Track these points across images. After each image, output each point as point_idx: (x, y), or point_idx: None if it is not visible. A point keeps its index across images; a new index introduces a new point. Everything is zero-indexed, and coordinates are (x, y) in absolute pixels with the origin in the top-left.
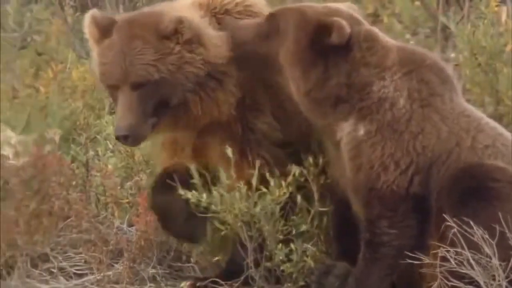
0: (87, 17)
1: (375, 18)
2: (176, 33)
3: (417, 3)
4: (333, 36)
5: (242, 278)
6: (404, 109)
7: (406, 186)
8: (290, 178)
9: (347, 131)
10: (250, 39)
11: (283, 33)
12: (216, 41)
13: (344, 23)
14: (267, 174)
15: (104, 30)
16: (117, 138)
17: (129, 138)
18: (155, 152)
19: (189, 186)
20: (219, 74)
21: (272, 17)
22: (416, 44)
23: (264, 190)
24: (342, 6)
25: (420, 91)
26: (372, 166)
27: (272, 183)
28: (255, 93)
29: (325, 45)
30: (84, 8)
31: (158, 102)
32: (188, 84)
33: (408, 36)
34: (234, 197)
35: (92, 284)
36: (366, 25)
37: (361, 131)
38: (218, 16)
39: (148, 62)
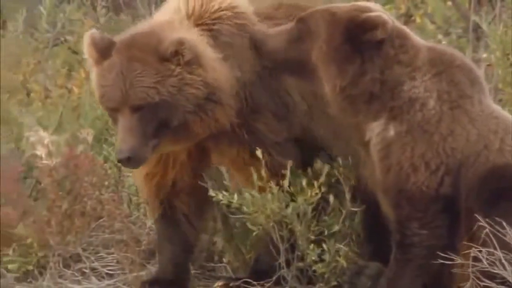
0: (86, 37)
1: (407, 18)
2: (177, 55)
3: (449, 3)
4: (379, 31)
5: (274, 278)
6: (434, 110)
7: (436, 187)
8: (322, 178)
9: (377, 131)
10: (282, 46)
11: (314, 34)
12: (214, 63)
13: (387, 17)
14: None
15: (103, 51)
16: (119, 161)
17: (131, 160)
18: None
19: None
20: (217, 95)
21: (301, 20)
22: (448, 44)
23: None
24: (370, 4)
25: (449, 92)
26: (402, 167)
27: (304, 183)
28: (254, 95)
29: (361, 41)
30: (116, 9)
31: (158, 124)
32: (188, 105)
33: (440, 36)
34: (266, 198)
35: (124, 284)
36: (396, 23)
37: (391, 132)
38: (212, 27)
39: (148, 84)
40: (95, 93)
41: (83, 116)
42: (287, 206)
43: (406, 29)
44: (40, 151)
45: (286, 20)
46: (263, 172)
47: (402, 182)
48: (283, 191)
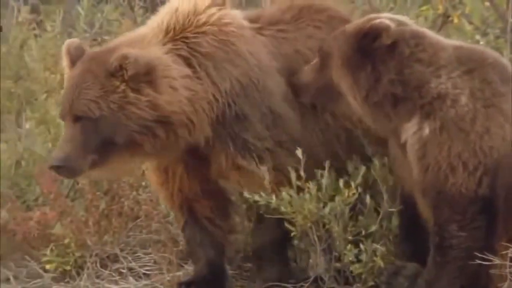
0: (64, 45)
1: (445, 18)
2: (121, 70)
3: (487, 4)
4: (383, 37)
5: (311, 278)
6: (467, 107)
7: (474, 188)
8: (359, 179)
9: (412, 131)
10: (311, 79)
11: (331, 56)
12: (175, 83)
13: (387, 21)
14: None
15: (74, 60)
16: (51, 167)
17: (63, 169)
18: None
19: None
20: (172, 118)
21: (320, 49)
22: (486, 45)
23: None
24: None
25: (483, 90)
26: (440, 167)
27: (341, 184)
28: (237, 105)
29: (371, 48)
30: (154, 8)
31: (100, 139)
32: (131, 125)
33: (478, 37)
34: (304, 198)
35: (161, 284)
36: (413, 26)
37: (426, 130)
38: (193, 40)
39: (91, 97)
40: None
41: None
42: (324, 206)
43: (424, 29)
44: None
45: (294, 24)
46: (266, 181)
47: (440, 183)
48: (321, 191)
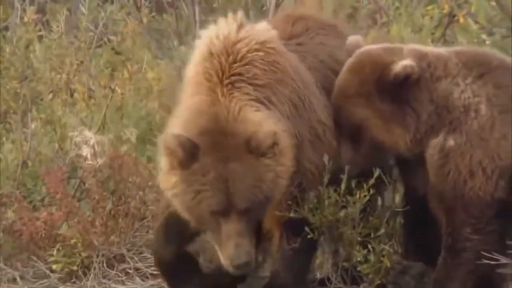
0: (172, 139)
1: (451, 18)
2: (272, 148)
3: (493, 3)
4: (411, 79)
5: (318, 278)
6: (486, 116)
7: (491, 192)
8: (371, 181)
9: (435, 144)
10: (354, 157)
11: (364, 125)
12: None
13: (406, 63)
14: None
15: (190, 154)
16: (238, 267)
17: (248, 264)
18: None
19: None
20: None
21: (347, 126)
22: (492, 44)
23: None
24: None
25: (497, 96)
26: (460, 173)
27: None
28: (295, 128)
29: (396, 90)
30: (160, 9)
31: (258, 221)
32: (278, 197)
33: (484, 36)
34: (322, 203)
35: None
36: (409, 47)
37: (451, 142)
38: (247, 75)
39: (251, 184)
40: (186, 197)
41: (127, 116)
42: (341, 209)
43: (419, 46)
44: (85, 152)
45: (306, 36)
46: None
47: (459, 188)
48: (339, 195)
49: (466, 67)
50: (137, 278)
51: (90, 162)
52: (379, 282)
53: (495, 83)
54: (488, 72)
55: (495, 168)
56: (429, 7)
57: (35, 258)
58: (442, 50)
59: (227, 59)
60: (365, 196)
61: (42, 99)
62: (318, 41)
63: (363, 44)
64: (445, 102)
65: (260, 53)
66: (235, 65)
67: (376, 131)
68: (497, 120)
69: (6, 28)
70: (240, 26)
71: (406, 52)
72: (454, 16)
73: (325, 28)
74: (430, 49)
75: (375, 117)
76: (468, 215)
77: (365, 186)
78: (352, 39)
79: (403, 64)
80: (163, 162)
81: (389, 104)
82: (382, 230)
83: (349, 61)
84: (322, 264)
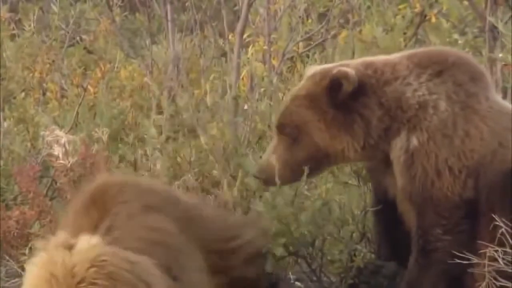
0: None
1: (422, 17)
2: None
3: (465, 2)
4: (345, 85)
5: (290, 277)
6: (447, 112)
7: (459, 191)
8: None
9: (399, 146)
10: (283, 162)
11: (304, 125)
12: None
13: (343, 68)
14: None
15: None
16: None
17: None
18: None
19: None
20: None
21: (283, 126)
22: (465, 44)
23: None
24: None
25: (457, 93)
26: (427, 174)
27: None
28: None
29: (343, 99)
30: (132, 8)
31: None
32: None
33: (456, 36)
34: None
35: None
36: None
37: (414, 142)
38: None
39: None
40: None
41: (99, 115)
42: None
43: (368, 58)
44: (57, 151)
45: None
46: None
47: (427, 189)
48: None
49: (420, 67)
50: None
51: (62, 161)
52: (351, 281)
53: (454, 80)
54: (445, 70)
55: (462, 167)
56: (401, 6)
57: (7, 257)
58: (392, 56)
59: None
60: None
61: (14, 98)
62: None
63: None
64: (397, 103)
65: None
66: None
67: (318, 135)
68: (459, 117)
69: None
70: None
71: (353, 64)
72: (425, 15)
73: None
74: (378, 57)
75: (318, 120)
76: (438, 216)
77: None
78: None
79: (339, 69)
80: None
81: (335, 110)
82: (352, 228)
83: (306, 74)
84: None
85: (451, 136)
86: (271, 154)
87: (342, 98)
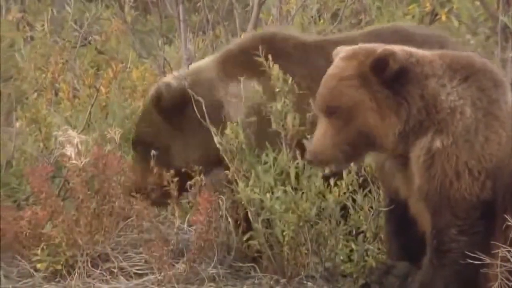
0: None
1: (433, 17)
2: None
3: (477, 3)
4: (390, 64)
5: (302, 277)
6: (471, 119)
7: (477, 193)
8: (350, 178)
9: (422, 146)
10: (333, 144)
11: (353, 106)
12: None
13: (389, 47)
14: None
15: None
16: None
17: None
18: None
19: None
20: None
21: (331, 109)
22: (477, 45)
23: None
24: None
25: (480, 99)
26: (447, 175)
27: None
28: None
29: (392, 78)
30: (144, 9)
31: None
32: None
33: (468, 36)
34: (298, 197)
35: (152, 284)
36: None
37: (438, 144)
38: None
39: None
40: None
41: (111, 115)
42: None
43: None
44: (69, 151)
45: None
46: None
47: (445, 189)
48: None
49: (451, 69)
50: (122, 278)
51: (74, 161)
52: (363, 281)
53: (479, 86)
54: (471, 75)
55: (482, 169)
56: (411, 6)
57: (19, 257)
58: (425, 51)
59: None
60: (344, 193)
61: (27, 98)
62: None
63: None
64: (433, 101)
65: None
66: None
67: (370, 115)
68: (481, 123)
69: None
70: None
71: (396, 48)
72: (436, 14)
73: None
74: (415, 49)
75: (370, 100)
76: (454, 217)
77: (343, 183)
78: (339, 48)
79: (385, 48)
80: None
81: (384, 89)
82: (364, 228)
83: (340, 55)
84: (306, 262)
85: (472, 141)
86: (321, 138)
87: (389, 77)
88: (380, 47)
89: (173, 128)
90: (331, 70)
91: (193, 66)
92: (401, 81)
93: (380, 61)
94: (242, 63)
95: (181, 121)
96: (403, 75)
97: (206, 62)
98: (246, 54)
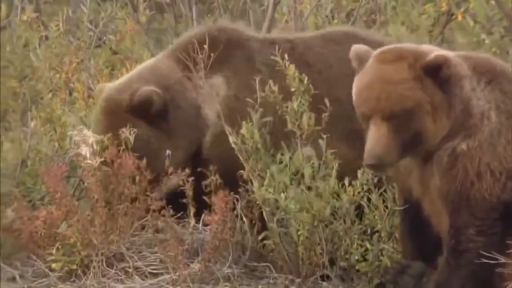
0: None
1: (448, 17)
2: None
3: (492, 2)
4: (444, 70)
5: (317, 276)
6: (495, 123)
7: (498, 193)
8: (364, 178)
9: (447, 147)
10: (392, 147)
11: (417, 108)
12: None
13: (442, 53)
14: None
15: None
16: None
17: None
18: None
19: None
20: None
21: (395, 110)
22: (491, 44)
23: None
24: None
25: (504, 102)
26: (468, 175)
27: (346, 182)
28: None
29: (445, 83)
30: (159, 8)
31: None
32: None
33: (483, 35)
34: (311, 197)
35: (167, 283)
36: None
37: (463, 146)
38: None
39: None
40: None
41: None
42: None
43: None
44: (84, 150)
45: None
46: None
47: (465, 188)
48: (327, 190)
49: (476, 72)
50: (137, 277)
51: (89, 161)
52: (378, 281)
53: (501, 89)
54: (494, 78)
55: (503, 170)
56: (427, 6)
57: (34, 257)
58: (448, 52)
59: None
60: (359, 192)
61: (41, 98)
62: None
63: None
64: (467, 106)
65: None
66: None
67: (426, 118)
68: (504, 127)
69: (5, 27)
70: None
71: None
72: (452, 14)
73: None
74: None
75: (428, 102)
76: (473, 217)
77: (358, 182)
78: (359, 47)
79: (438, 53)
80: None
81: (439, 92)
82: (379, 227)
83: (378, 58)
84: (321, 262)
85: (495, 143)
86: (382, 141)
87: (443, 80)
88: (425, 49)
89: (161, 133)
90: (376, 73)
91: (147, 67)
92: (451, 84)
93: (435, 64)
94: (204, 59)
95: (168, 124)
96: (453, 78)
97: (163, 63)
98: (208, 49)
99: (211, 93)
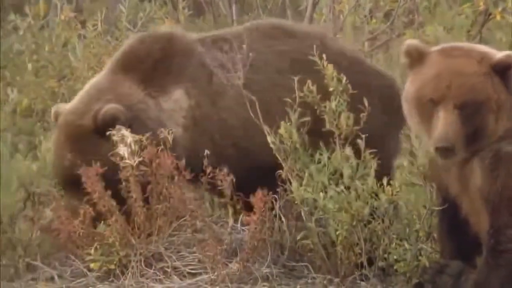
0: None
1: (486, 16)
2: None
3: None
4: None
5: (356, 276)
6: None
7: None
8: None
9: (491, 148)
10: (459, 134)
11: (486, 101)
12: None
13: (508, 53)
14: None
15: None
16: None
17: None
18: None
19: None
20: None
21: (466, 102)
22: None
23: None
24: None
25: None
26: (510, 176)
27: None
28: None
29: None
30: (198, 8)
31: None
32: None
33: None
34: (350, 196)
35: (206, 283)
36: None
37: (508, 148)
38: None
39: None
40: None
41: None
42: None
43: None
44: (122, 150)
45: None
46: None
47: (507, 189)
48: (365, 190)
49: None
50: (175, 277)
51: (127, 161)
52: (416, 281)
53: None
54: None
55: None
56: (464, 5)
57: (72, 257)
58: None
59: None
60: (397, 192)
61: None
62: None
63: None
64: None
65: None
66: None
67: (490, 115)
68: None
69: (44, 26)
70: None
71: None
72: (490, 13)
73: None
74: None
75: (494, 100)
76: None
77: (396, 182)
78: (413, 42)
79: (509, 53)
80: None
81: (505, 91)
82: (417, 227)
83: (443, 52)
84: (360, 261)
85: None
86: (451, 126)
87: (508, 81)
88: (499, 52)
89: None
90: (445, 65)
91: (103, 87)
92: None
93: (506, 63)
94: (160, 72)
95: None
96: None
97: (117, 81)
98: (159, 61)
99: (174, 108)
